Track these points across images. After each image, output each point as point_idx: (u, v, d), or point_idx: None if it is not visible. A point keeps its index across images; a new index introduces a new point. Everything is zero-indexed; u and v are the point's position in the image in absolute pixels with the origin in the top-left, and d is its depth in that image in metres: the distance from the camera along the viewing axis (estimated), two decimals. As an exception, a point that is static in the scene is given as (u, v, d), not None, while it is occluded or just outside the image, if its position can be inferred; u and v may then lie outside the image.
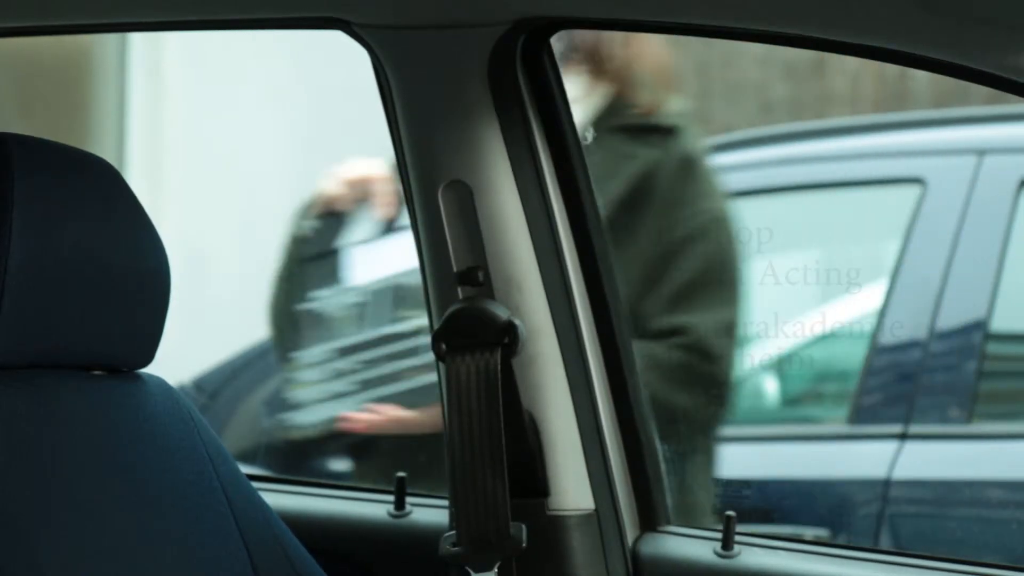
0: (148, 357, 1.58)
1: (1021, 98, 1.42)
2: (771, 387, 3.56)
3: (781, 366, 3.55)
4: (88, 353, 1.54)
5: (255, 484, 1.65)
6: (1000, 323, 3.08)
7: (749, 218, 3.48)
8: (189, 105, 5.78)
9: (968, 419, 3.02)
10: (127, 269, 1.54)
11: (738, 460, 3.18)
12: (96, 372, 1.57)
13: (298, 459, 3.40)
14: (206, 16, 1.69)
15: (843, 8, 1.43)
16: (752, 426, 3.41)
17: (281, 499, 1.79)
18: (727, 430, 3.43)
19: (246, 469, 1.73)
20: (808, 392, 3.59)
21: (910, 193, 3.18)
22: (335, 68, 4.81)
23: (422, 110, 1.66)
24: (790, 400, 3.58)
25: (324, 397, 2.57)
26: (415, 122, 1.67)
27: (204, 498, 1.57)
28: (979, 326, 3.05)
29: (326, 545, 1.76)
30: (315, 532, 1.76)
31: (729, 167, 3.41)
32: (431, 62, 1.65)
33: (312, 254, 2.58)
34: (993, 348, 3.07)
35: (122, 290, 1.54)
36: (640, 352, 1.76)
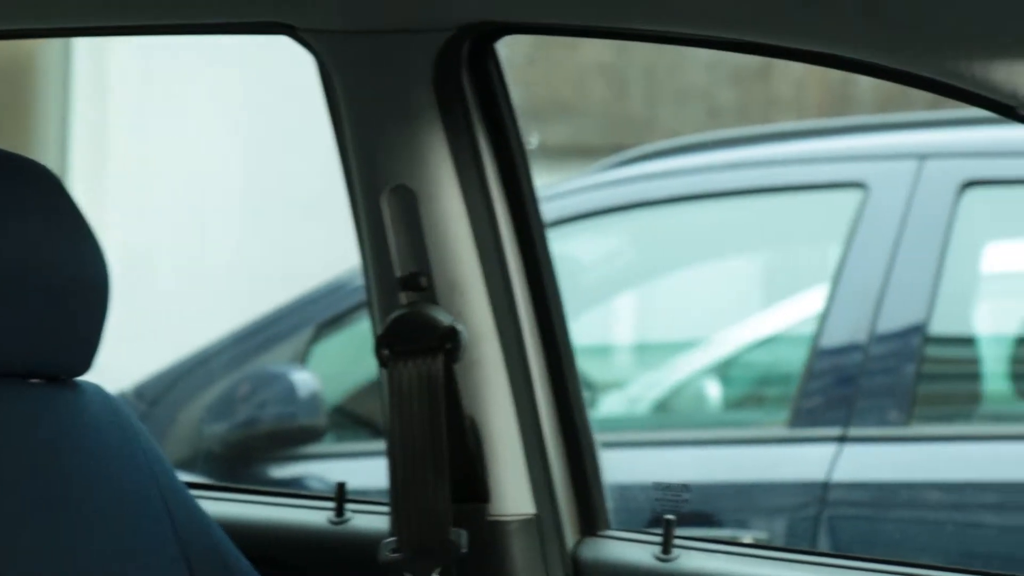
0: (86, 365, 1.57)
1: (961, 102, 1.44)
2: (713, 391, 3.58)
3: (723, 370, 3.57)
4: (25, 361, 1.53)
5: (194, 492, 1.64)
6: (939, 326, 3.11)
7: (694, 223, 3.50)
8: (133, 110, 5.75)
9: (907, 421, 3.05)
10: (66, 277, 1.53)
11: (679, 464, 3.19)
12: (33, 380, 1.56)
13: (239, 466, 3.39)
14: (148, 21, 1.68)
15: (788, 14, 1.44)
16: (693, 430, 3.42)
17: (221, 507, 1.78)
18: (669, 434, 3.44)
19: (186, 477, 1.71)
20: (749, 396, 3.61)
21: (852, 197, 3.20)
22: (280, 71, 4.80)
23: (367, 114, 1.66)
24: (731, 404, 3.60)
25: None
26: (360, 126, 1.67)
27: (142, 507, 1.56)
28: (918, 329, 3.07)
29: (266, 553, 1.75)
30: (255, 540, 1.75)
31: (675, 172, 3.42)
32: (376, 67, 1.64)
33: None
34: (932, 351, 3.10)
35: (61, 298, 1.53)
36: None
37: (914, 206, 3.12)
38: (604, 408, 3.59)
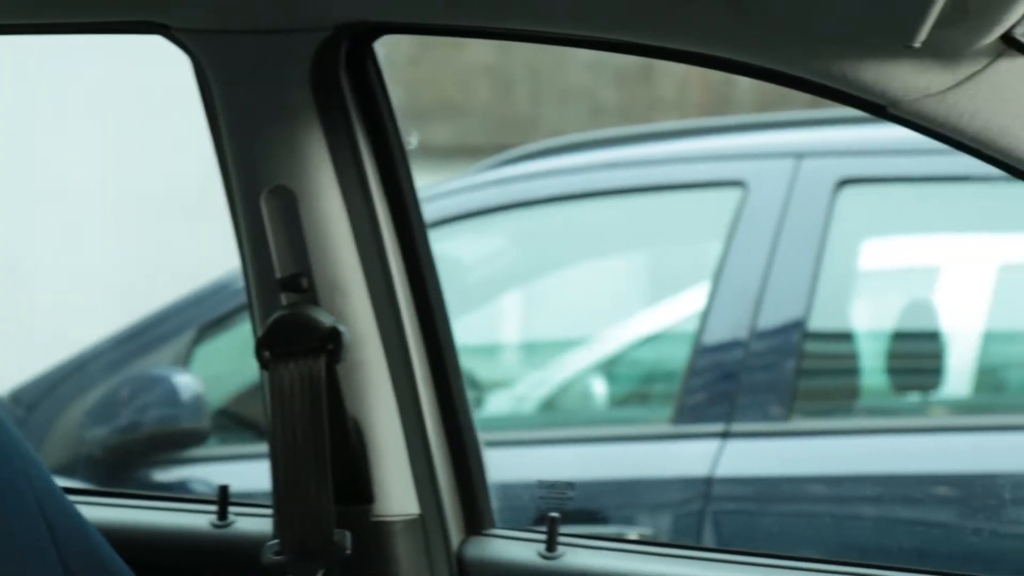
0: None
1: (834, 101, 1.46)
2: (598, 389, 3.60)
3: (608, 368, 3.59)
4: None
5: (73, 497, 1.62)
6: (818, 322, 3.16)
7: (578, 222, 3.52)
8: (4, 112, 5.65)
9: (788, 417, 3.09)
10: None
11: (564, 461, 3.21)
12: (-95, 386, 1.53)
13: (121, 470, 3.34)
14: (17, 20, 1.66)
15: (663, 14, 1.46)
16: (578, 427, 3.44)
17: (100, 512, 1.75)
18: (555, 432, 3.46)
19: (66, 482, 1.69)
20: (634, 393, 3.64)
21: (732, 196, 3.24)
22: (157, 71, 4.75)
23: (244, 115, 1.65)
24: (617, 401, 3.63)
25: None
26: (237, 127, 1.66)
27: (18, 512, 1.53)
28: (798, 325, 3.12)
29: (147, 558, 1.73)
30: (136, 546, 1.73)
31: (558, 171, 3.44)
32: (253, 67, 1.63)
33: None
34: (811, 347, 3.15)
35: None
36: None
37: (792, 204, 3.17)
38: (491, 407, 3.60)
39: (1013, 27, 1.39)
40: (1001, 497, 3.02)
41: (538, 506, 2.25)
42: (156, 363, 3.43)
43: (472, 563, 1.71)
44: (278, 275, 1.67)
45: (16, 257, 5.50)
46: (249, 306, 1.71)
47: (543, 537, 1.71)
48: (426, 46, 7.26)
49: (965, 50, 1.39)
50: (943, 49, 1.39)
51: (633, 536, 3.02)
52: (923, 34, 1.36)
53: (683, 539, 3.03)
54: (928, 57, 1.39)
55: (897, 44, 1.38)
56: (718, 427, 3.09)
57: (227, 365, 3.54)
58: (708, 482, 3.04)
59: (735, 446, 3.07)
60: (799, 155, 3.21)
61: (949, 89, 1.39)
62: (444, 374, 1.73)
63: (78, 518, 1.59)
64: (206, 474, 3.35)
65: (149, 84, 5.37)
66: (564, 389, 3.62)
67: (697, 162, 3.36)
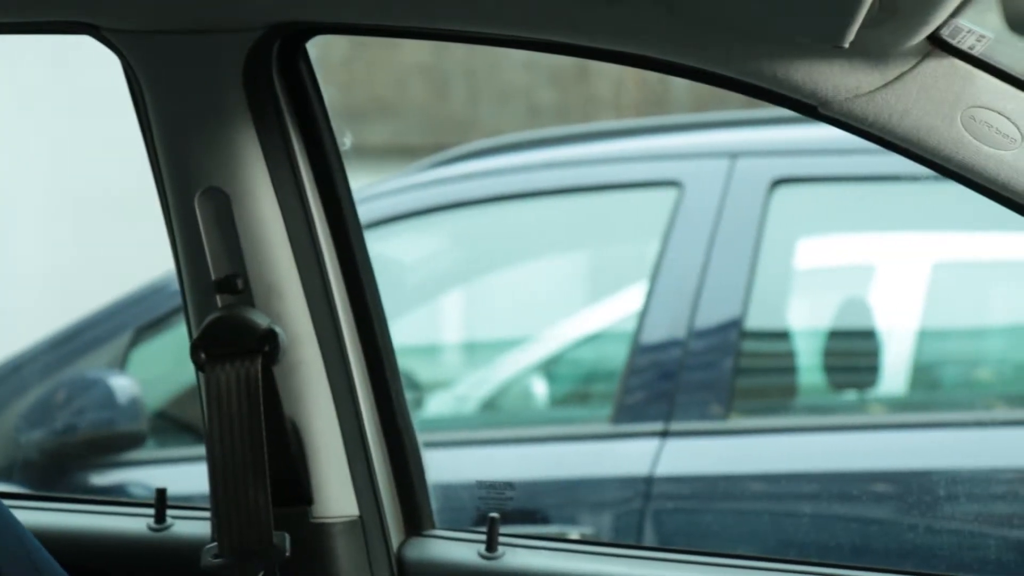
0: None
1: (766, 102, 1.48)
2: (538, 389, 3.61)
3: (547, 368, 3.60)
4: None
5: (8, 502, 1.60)
6: (755, 321, 3.18)
7: (515, 222, 3.53)
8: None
9: (726, 415, 3.11)
10: None
11: (504, 462, 3.21)
12: None
13: (57, 474, 3.32)
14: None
15: (596, 15, 1.47)
16: (518, 427, 3.45)
17: (36, 516, 1.74)
18: (496, 432, 3.46)
19: (0, 487, 1.68)
20: (574, 392, 3.65)
21: (668, 196, 3.26)
22: (91, 69, 4.71)
23: (176, 116, 1.65)
24: (556, 401, 3.64)
25: None
26: (169, 128, 1.65)
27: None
28: (735, 324, 3.14)
29: (84, 563, 1.73)
30: (72, 550, 1.72)
31: (495, 171, 3.44)
32: (184, 68, 1.63)
33: None
34: (749, 345, 3.17)
35: None
36: None
37: (727, 204, 3.19)
38: (432, 408, 3.60)
39: (940, 27, 1.41)
40: (936, 493, 3.05)
41: (478, 506, 2.25)
42: (92, 365, 3.41)
43: (412, 564, 1.72)
44: (213, 277, 1.67)
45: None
46: (184, 308, 1.70)
47: (483, 537, 1.72)
48: (360, 46, 7.24)
49: (893, 50, 1.41)
50: (872, 49, 1.41)
51: (573, 535, 3.03)
52: (852, 34, 1.38)
53: (623, 538, 3.04)
54: (857, 57, 1.40)
55: (827, 44, 1.40)
56: (657, 426, 3.10)
57: (164, 367, 3.52)
58: (648, 481, 3.05)
59: (674, 445, 3.09)
60: (734, 155, 3.23)
61: (878, 89, 1.41)
62: (382, 375, 1.73)
63: (12, 522, 1.58)
64: (144, 477, 3.33)
65: (86, 84, 5.33)
66: (504, 389, 3.63)
67: (633, 162, 3.37)
